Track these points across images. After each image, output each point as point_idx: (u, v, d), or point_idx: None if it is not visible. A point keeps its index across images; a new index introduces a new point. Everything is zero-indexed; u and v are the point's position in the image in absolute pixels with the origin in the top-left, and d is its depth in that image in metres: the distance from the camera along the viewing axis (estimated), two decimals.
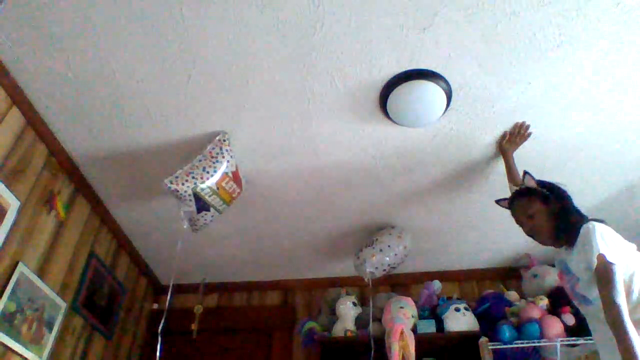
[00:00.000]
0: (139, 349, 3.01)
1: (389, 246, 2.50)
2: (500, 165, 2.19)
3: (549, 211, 1.70)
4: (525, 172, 1.79)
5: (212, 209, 2.08)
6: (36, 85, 1.89)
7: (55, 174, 2.19)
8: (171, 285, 2.18)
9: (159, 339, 1.92)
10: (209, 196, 2.01)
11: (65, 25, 1.65)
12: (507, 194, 2.32)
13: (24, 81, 1.87)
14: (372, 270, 2.49)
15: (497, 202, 1.93)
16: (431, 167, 2.26)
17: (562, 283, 1.78)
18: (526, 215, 1.74)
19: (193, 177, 1.95)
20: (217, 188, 2.02)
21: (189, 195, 1.96)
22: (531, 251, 2.83)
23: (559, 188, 1.75)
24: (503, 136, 2.07)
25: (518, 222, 1.79)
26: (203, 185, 1.97)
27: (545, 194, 1.72)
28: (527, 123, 2.00)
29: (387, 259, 2.49)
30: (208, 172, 1.97)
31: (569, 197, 1.73)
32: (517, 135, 2.03)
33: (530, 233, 1.75)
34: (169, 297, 2.09)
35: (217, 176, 2.00)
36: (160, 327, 1.93)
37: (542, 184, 1.77)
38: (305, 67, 1.78)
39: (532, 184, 1.76)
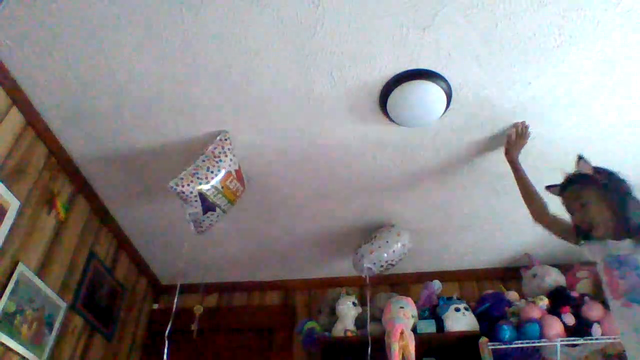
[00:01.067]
0: (138, 349, 3.01)
1: (387, 242, 2.50)
2: (500, 165, 2.19)
3: (606, 201, 1.57)
4: (580, 157, 1.65)
5: (217, 209, 2.08)
6: (36, 85, 1.88)
7: (55, 174, 2.19)
8: (178, 286, 2.18)
9: (166, 342, 1.92)
10: (215, 196, 2.01)
11: (65, 25, 1.65)
12: (506, 193, 2.32)
13: (24, 81, 1.87)
14: (370, 266, 2.49)
15: (547, 188, 1.80)
16: (431, 167, 2.27)
17: (608, 279, 1.57)
18: (579, 203, 1.61)
19: (198, 178, 1.94)
20: (222, 187, 2.02)
21: (195, 196, 1.95)
22: (531, 251, 2.83)
23: (618, 177, 1.60)
24: (507, 142, 2.03)
25: (568, 210, 1.66)
26: (208, 186, 1.96)
27: (602, 182, 1.59)
28: (526, 123, 1.99)
29: (385, 255, 2.49)
30: (212, 172, 1.97)
31: (630, 187, 1.58)
32: (518, 136, 2.00)
33: (581, 222, 1.62)
34: (176, 299, 2.09)
35: (221, 175, 2.00)
36: (167, 330, 1.94)
37: (599, 170, 1.63)
38: (305, 67, 1.78)
39: (587, 169, 1.62)
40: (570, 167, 2.20)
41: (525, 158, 2.10)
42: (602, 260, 1.62)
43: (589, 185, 1.61)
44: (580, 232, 1.66)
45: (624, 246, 1.54)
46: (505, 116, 1.99)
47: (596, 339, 2.28)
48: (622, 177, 1.60)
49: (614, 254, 1.57)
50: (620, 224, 1.56)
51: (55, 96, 1.93)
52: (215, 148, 2.02)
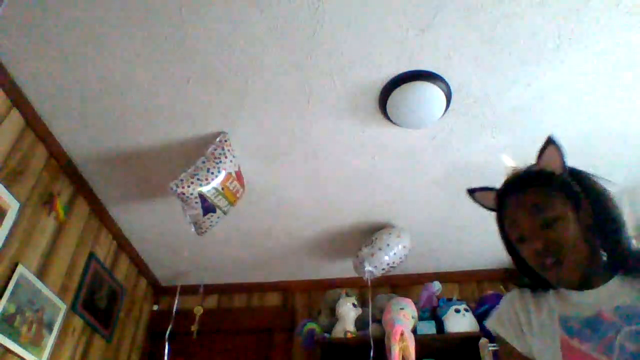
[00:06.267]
0: (138, 350, 3.00)
1: (388, 245, 2.50)
2: (499, 166, 2.18)
3: (582, 225, 0.96)
4: (551, 140, 1.01)
5: (218, 210, 2.08)
6: (36, 87, 1.89)
7: (54, 176, 2.19)
8: (178, 287, 2.18)
9: (167, 344, 1.93)
10: (215, 197, 2.01)
11: (64, 27, 1.65)
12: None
13: (23, 82, 1.87)
14: (371, 269, 2.49)
15: (472, 192, 1.20)
16: (431, 168, 2.26)
17: (588, 350, 0.89)
18: (539, 219, 0.97)
19: (198, 179, 1.94)
20: (222, 188, 2.02)
21: (195, 197, 1.95)
22: None
23: (605, 189, 1.00)
24: None
25: (518, 229, 1.02)
26: (208, 187, 1.96)
27: (574, 190, 0.97)
28: None
29: (386, 257, 2.49)
30: (212, 173, 1.97)
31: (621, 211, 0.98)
32: None
33: (539, 255, 0.96)
34: (176, 301, 2.10)
35: (221, 177, 2.00)
36: (168, 332, 1.94)
37: (576, 173, 1.02)
38: (305, 68, 1.78)
39: (556, 164, 0.99)
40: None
41: (525, 160, 2.10)
42: (558, 325, 0.96)
43: (556, 191, 0.98)
44: (532, 279, 1.04)
45: (609, 291, 0.93)
46: (505, 117, 1.98)
47: None
48: (606, 190, 1.00)
49: (584, 316, 0.94)
50: (597, 263, 0.95)
51: (55, 97, 1.93)
52: (215, 149, 2.02)
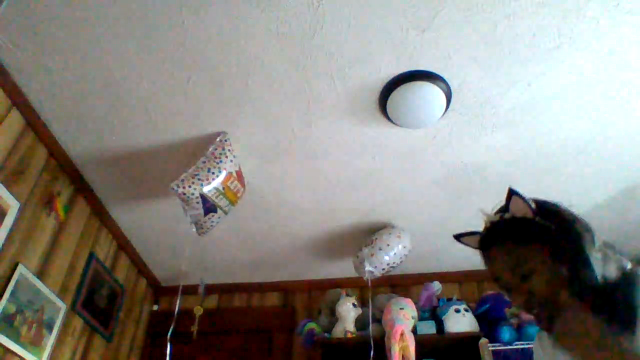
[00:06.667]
0: (138, 350, 3.00)
1: (388, 245, 2.50)
2: (500, 166, 2.19)
3: (558, 264, 0.95)
4: (513, 191, 1.01)
5: (219, 210, 2.08)
6: (36, 87, 1.89)
7: (54, 175, 2.19)
8: (180, 287, 2.18)
9: (168, 344, 1.94)
10: (216, 197, 2.01)
11: (64, 27, 1.65)
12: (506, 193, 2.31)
13: (24, 83, 1.87)
14: (372, 269, 2.49)
15: (457, 237, 1.22)
16: (431, 168, 2.26)
17: None
18: (518, 274, 0.98)
19: (199, 179, 1.94)
20: (223, 188, 2.02)
21: (196, 197, 1.95)
22: None
23: (572, 217, 1.01)
24: None
25: (499, 284, 1.05)
26: (209, 187, 1.97)
27: (550, 230, 0.97)
28: None
29: (387, 258, 2.49)
30: (213, 173, 1.97)
31: (590, 232, 0.98)
32: None
33: (526, 307, 0.99)
34: (178, 301, 2.09)
35: (222, 176, 2.00)
36: (169, 333, 1.95)
37: (545, 208, 1.01)
38: (305, 68, 1.78)
39: (523, 210, 1.00)
40: (570, 169, 2.14)
41: (524, 160, 2.10)
42: None
43: (532, 240, 0.99)
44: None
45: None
46: (505, 117, 1.98)
47: None
48: (576, 216, 1.01)
49: None
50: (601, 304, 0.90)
51: (55, 98, 1.93)
52: (215, 149, 2.02)
